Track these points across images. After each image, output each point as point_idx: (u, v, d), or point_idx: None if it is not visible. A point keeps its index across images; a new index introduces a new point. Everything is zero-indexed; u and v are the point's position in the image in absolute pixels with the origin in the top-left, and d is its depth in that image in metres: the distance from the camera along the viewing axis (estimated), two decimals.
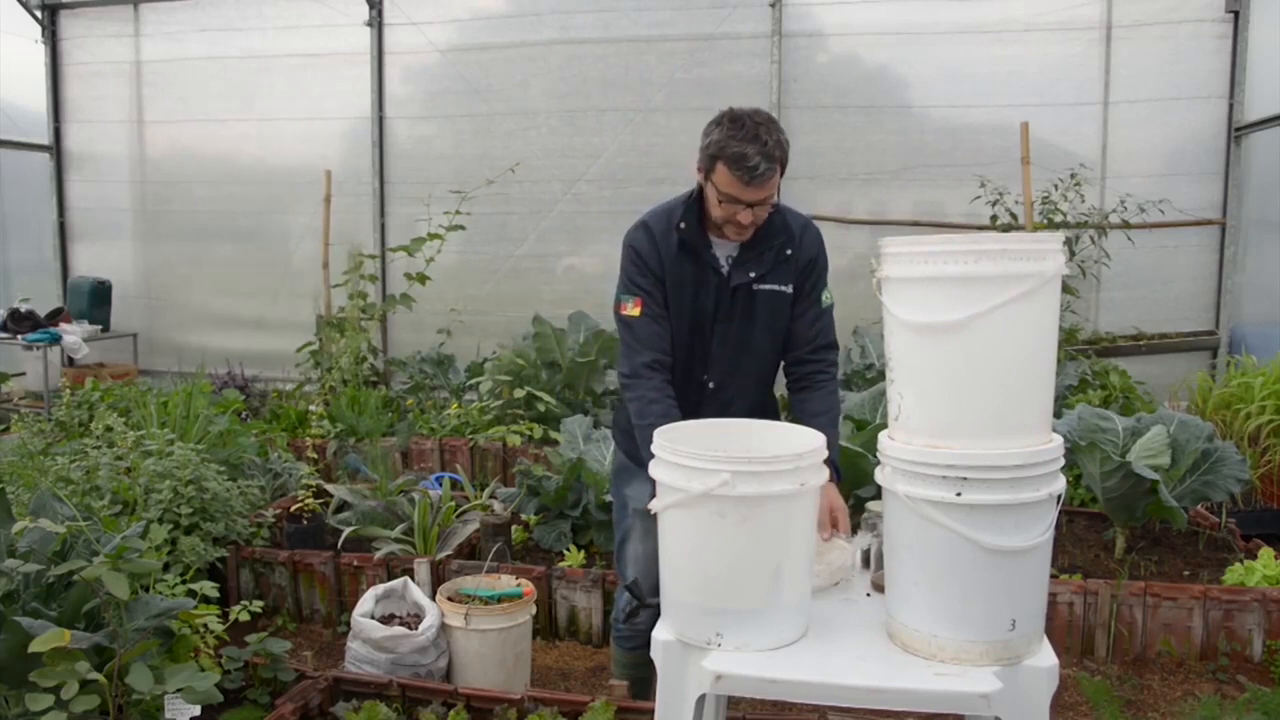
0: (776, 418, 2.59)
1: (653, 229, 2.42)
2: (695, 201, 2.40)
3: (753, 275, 2.39)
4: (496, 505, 4.20)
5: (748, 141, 2.18)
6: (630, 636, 2.66)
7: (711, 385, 2.45)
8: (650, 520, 2.54)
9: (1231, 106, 6.03)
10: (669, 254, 2.39)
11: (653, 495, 2.48)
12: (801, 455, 1.71)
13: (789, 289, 2.43)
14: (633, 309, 2.39)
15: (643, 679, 2.68)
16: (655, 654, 1.80)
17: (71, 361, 7.30)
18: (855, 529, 2.23)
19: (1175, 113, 6.13)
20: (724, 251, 2.41)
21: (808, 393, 2.46)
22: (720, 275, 2.39)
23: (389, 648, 2.96)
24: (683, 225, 2.38)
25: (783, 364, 2.53)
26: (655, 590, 2.54)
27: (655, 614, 2.56)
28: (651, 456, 1.84)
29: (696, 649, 1.75)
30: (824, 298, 2.49)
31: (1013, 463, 1.62)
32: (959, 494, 1.63)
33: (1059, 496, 1.69)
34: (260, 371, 7.28)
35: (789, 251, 2.42)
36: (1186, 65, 6.09)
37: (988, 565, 1.64)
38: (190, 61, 7.66)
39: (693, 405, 2.42)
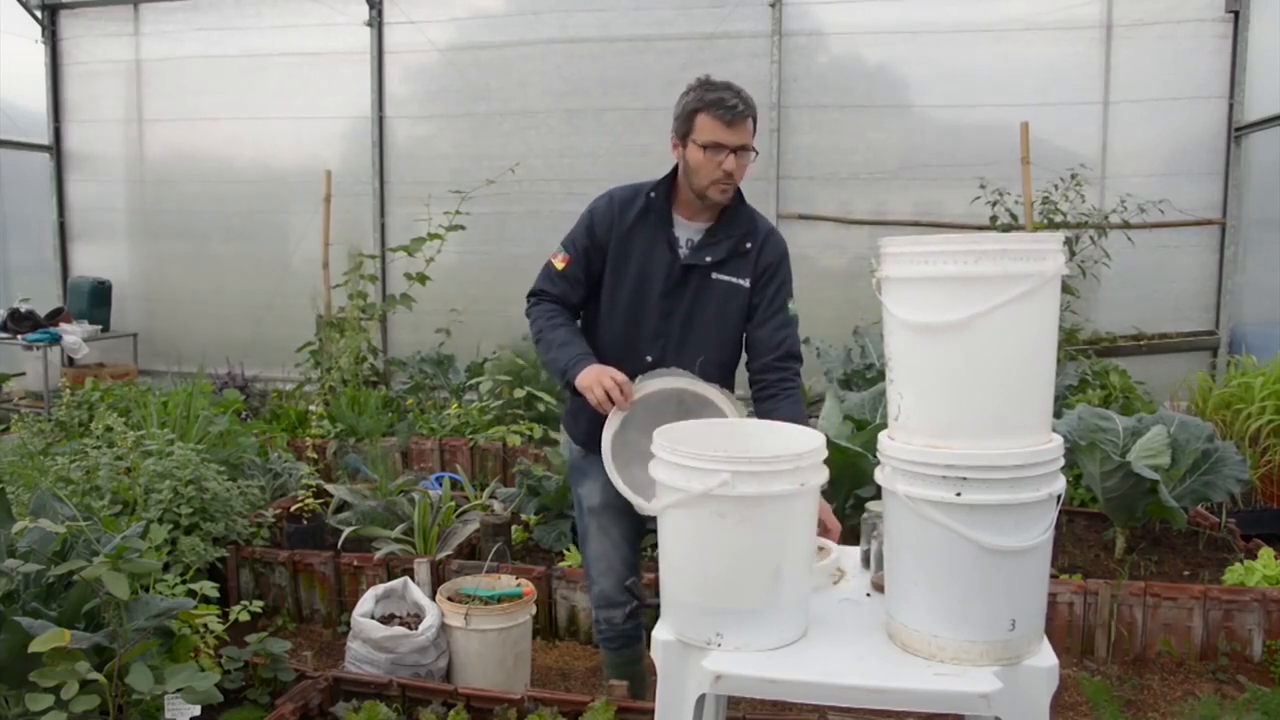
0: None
1: (616, 198, 2.51)
2: (667, 180, 2.50)
3: (709, 260, 2.45)
4: (496, 505, 4.20)
5: (722, 89, 2.35)
6: (613, 637, 2.68)
7: (650, 361, 2.47)
8: (604, 518, 2.58)
9: (1231, 106, 6.03)
10: (623, 223, 2.47)
11: (603, 491, 2.52)
12: (801, 455, 1.71)
13: (746, 283, 2.49)
14: (559, 262, 2.51)
15: (633, 677, 2.68)
16: (655, 654, 1.79)
17: (71, 361, 7.30)
18: (855, 529, 2.23)
19: (1175, 113, 6.13)
20: (685, 233, 2.48)
21: (776, 401, 2.47)
22: (674, 253, 2.46)
23: (389, 648, 2.96)
24: (653, 194, 2.47)
25: (749, 373, 2.55)
26: (618, 589, 2.57)
27: (631, 614, 2.59)
28: (561, 349, 2.07)
29: (696, 649, 1.75)
30: (790, 307, 2.55)
31: (1013, 463, 1.62)
32: (959, 494, 1.63)
33: (1059, 496, 1.69)
34: (260, 371, 7.29)
35: (749, 245, 2.48)
36: (1186, 65, 6.09)
37: (988, 565, 1.64)
38: (190, 61, 7.66)
39: (631, 378, 2.44)
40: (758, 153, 2.44)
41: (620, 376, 2.28)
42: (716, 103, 2.33)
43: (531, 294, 2.56)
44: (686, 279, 2.45)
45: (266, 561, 3.81)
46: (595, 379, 2.28)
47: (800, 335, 2.63)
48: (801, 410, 2.49)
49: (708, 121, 2.34)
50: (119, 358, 7.83)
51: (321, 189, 7.01)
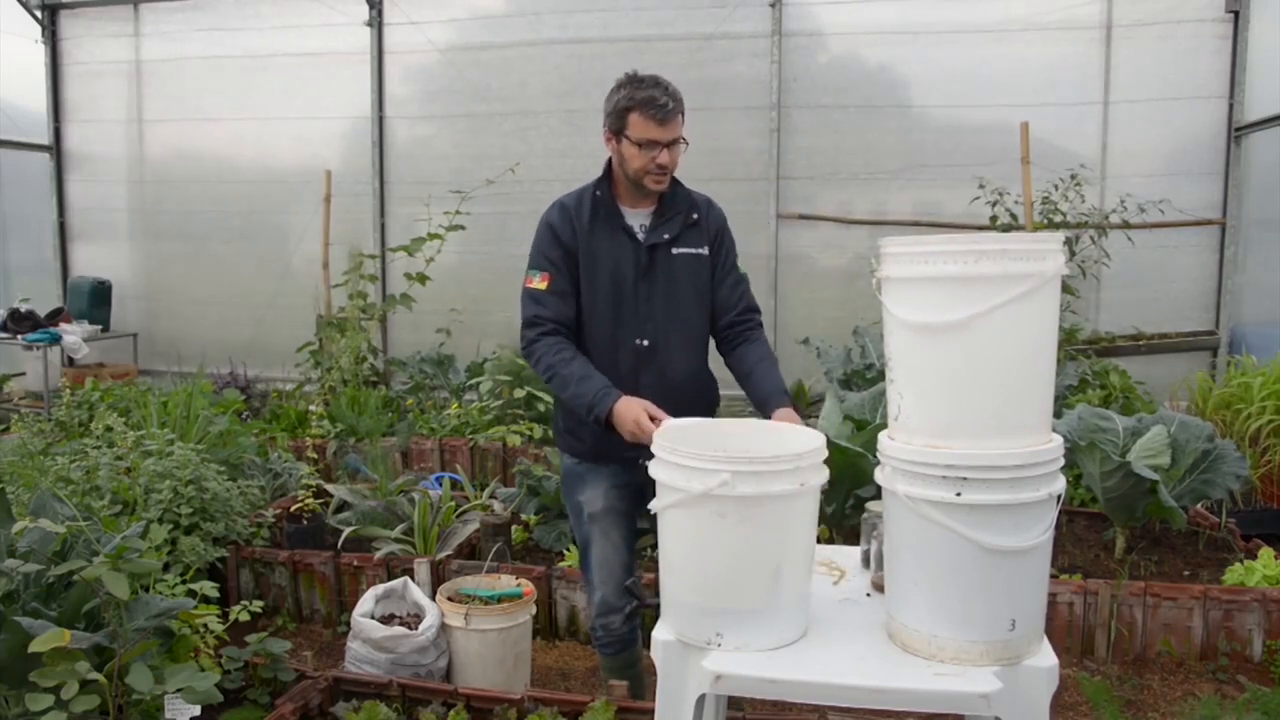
0: (715, 388, 2.70)
1: (567, 205, 2.61)
2: (605, 177, 2.60)
3: (666, 237, 2.55)
4: (496, 505, 4.20)
5: (651, 88, 2.46)
6: (610, 643, 2.69)
7: (645, 344, 2.54)
8: (605, 522, 2.59)
9: (1231, 106, 6.03)
10: (582, 227, 2.56)
11: (606, 496, 2.56)
12: (801, 455, 1.71)
13: (705, 251, 2.60)
14: (540, 283, 2.56)
15: (631, 679, 2.69)
16: (655, 654, 1.79)
17: (71, 361, 7.30)
18: (855, 529, 2.23)
19: (1175, 113, 6.13)
20: (636, 220, 2.58)
21: (744, 346, 2.61)
22: (635, 240, 2.56)
23: (389, 648, 2.96)
24: (598, 193, 2.58)
25: (715, 331, 2.66)
26: (619, 594, 2.58)
27: (627, 618, 2.60)
28: (580, 384, 2.05)
29: (696, 649, 1.75)
30: (739, 267, 2.68)
31: (1013, 463, 1.62)
32: (959, 494, 1.63)
33: (1059, 496, 1.69)
34: (260, 371, 7.29)
35: (695, 216, 2.60)
36: (1186, 65, 6.09)
37: (988, 565, 1.64)
38: (190, 61, 7.66)
39: (631, 369, 2.53)
40: (688, 143, 2.53)
41: (651, 406, 2.31)
42: (648, 101, 2.42)
43: (526, 329, 2.56)
44: (653, 260, 2.54)
45: (266, 561, 3.81)
46: (629, 413, 2.30)
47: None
48: (768, 349, 2.64)
49: (640, 120, 2.44)
50: (119, 358, 7.83)
51: (322, 189, 7.01)
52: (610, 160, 2.59)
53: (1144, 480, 3.60)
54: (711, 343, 2.68)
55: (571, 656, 3.54)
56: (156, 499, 3.52)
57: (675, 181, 2.59)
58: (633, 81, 2.49)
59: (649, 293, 2.54)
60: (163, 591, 3.02)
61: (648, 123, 2.43)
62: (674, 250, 2.55)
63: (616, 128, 2.50)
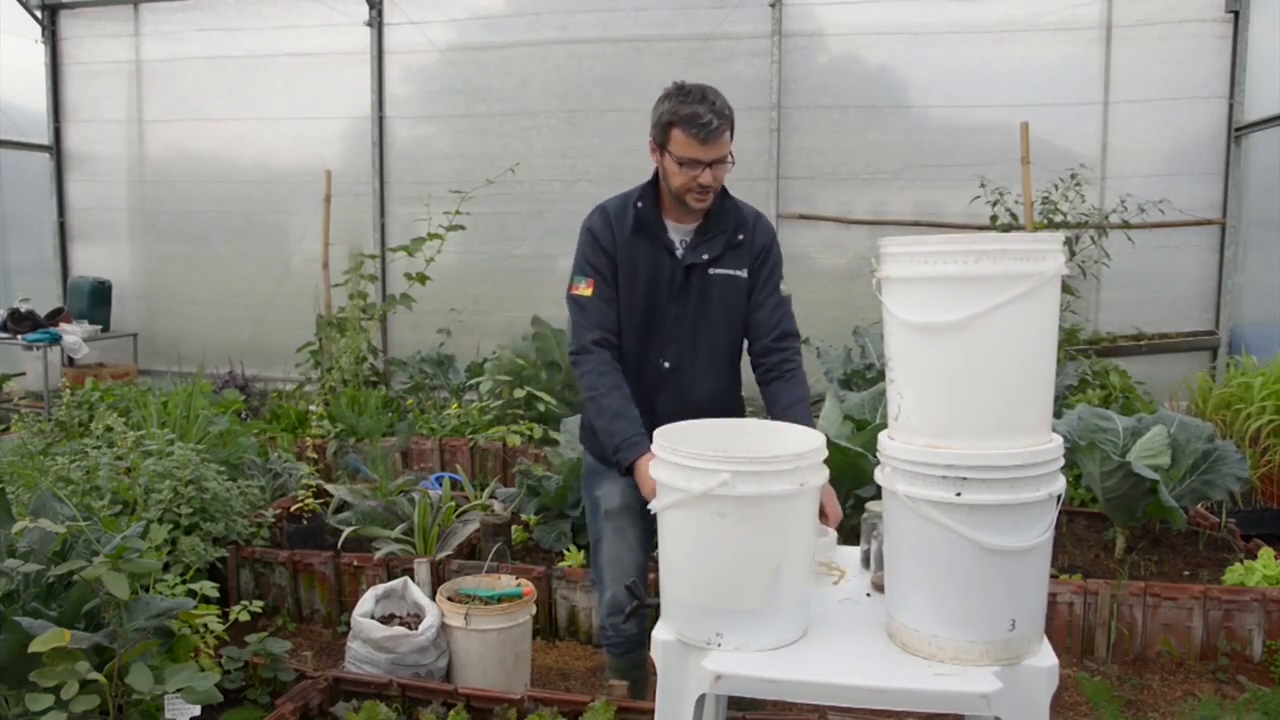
0: (741, 406, 2.62)
1: (609, 212, 2.52)
2: (651, 185, 2.51)
3: (705, 257, 2.47)
4: (496, 505, 4.20)
5: (697, 103, 2.31)
6: (619, 643, 2.67)
7: (667, 365, 2.50)
8: (621, 519, 2.57)
9: (1231, 106, 6.03)
10: (623, 235, 2.48)
11: (624, 493, 2.54)
12: (801, 455, 1.71)
13: (744, 274, 2.51)
14: (585, 289, 2.48)
15: (638, 680, 2.68)
16: (655, 654, 1.79)
17: (71, 361, 7.30)
18: (855, 529, 2.23)
19: (1175, 113, 6.13)
20: (678, 235, 2.50)
21: (780, 383, 2.50)
22: (674, 256, 2.48)
23: (389, 648, 2.96)
24: (640, 204, 2.48)
25: (750, 356, 2.58)
26: (628, 592, 2.56)
27: (628, 617, 2.58)
28: (612, 421, 1.95)
29: (696, 649, 1.75)
30: (781, 288, 2.56)
31: (1013, 463, 1.62)
32: (959, 494, 1.63)
33: (1059, 496, 1.69)
34: (260, 371, 7.29)
35: (740, 236, 2.50)
36: (1186, 65, 6.09)
37: (988, 565, 1.64)
38: (190, 61, 7.66)
39: (651, 388, 2.49)
40: (734, 161, 2.43)
41: None
42: (691, 119, 2.30)
43: (574, 339, 2.50)
44: (689, 280, 2.47)
45: (266, 561, 3.81)
46: (649, 474, 2.14)
47: (799, 330, 2.62)
48: (805, 390, 2.52)
49: (682, 137, 2.32)
50: (119, 358, 7.83)
51: (322, 189, 7.01)
52: (657, 170, 2.48)
53: (1144, 480, 3.60)
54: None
55: (571, 656, 3.54)
56: (156, 499, 3.52)
57: (725, 194, 2.49)
58: (679, 94, 2.35)
59: (678, 314, 2.47)
60: (163, 591, 3.02)
61: (689, 141, 2.32)
62: (710, 271, 2.47)
63: (660, 141, 2.40)
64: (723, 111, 2.33)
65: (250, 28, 7.47)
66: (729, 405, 2.56)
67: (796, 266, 6.65)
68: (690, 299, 2.47)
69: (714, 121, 2.30)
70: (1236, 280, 6.14)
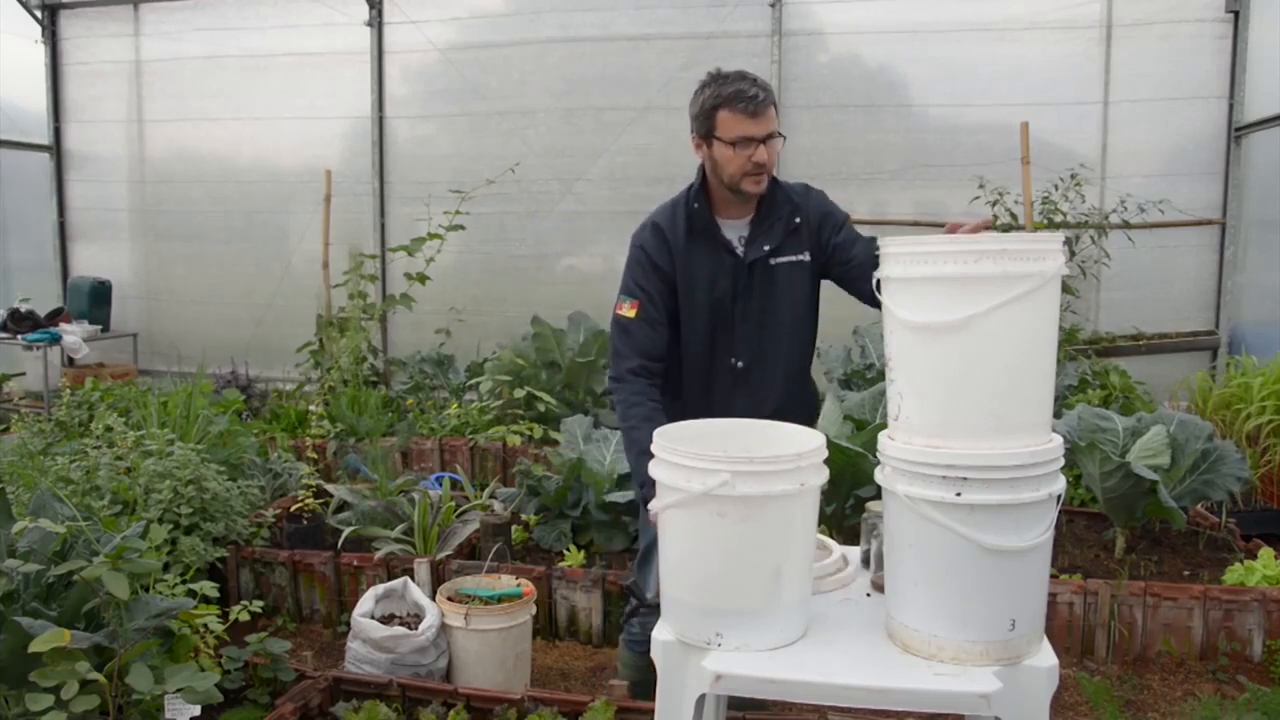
0: (816, 405, 2.57)
1: (660, 224, 2.46)
2: (700, 188, 2.45)
3: (767, 249, 2.42)
4: (496, 505, 4.20)
5: (737, 81, 2.29)
6: (643, 640, 2.65)
7: (740, 365, 2.45)
8: None
9: (1231, 106, 6.03)
10: (679, 246, 2.42)
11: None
12: (801, 455, 1.71)
13: (807, 257, 2.46)
14: (629, 310, 2.42)
15: (648, 680, 2.67)
16: (655, 654, 1.79)
17: (71, 361, 7.30)
18: (855, 529, 2.23)
19: (1175, 113, 6.13)
20: (735, 233, 2.45)
21: None
22: (734, 255, 2.43)
23: (389, 648, 2.96)
24: (695, 205, 2.42)
25: (863, 298, 2.45)
26: (627, 592, 2.54)
27: (630, 614, 2.57)
28: (640, 457, 1.88)
29: (696, 649, 1.75)
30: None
31: (1013, 463, 1.62)
32: (959, 494, 1.63)
33: (1059, 496, 1.69)
34: (260, 371, 7.28)
35: (797, 220, 2.44)
36: (1186, 65, 6.09)
37: (988, 565, 1.64)
38: (190, 61, 7.66)
39: (725, 390, 2.44)
40: (785, 137, 2.39)
41: None
42: (736, 96, 2.26)
43: (612, 363, 2.45)
44: (752, 276, 2.42)
45: (266, 561, 3.81)
46: None
47: None
48: None
49: (730, 117, 2.28)
50: (119, 358, 7.83)
51: (322, 189, 7.01)
52: (702, 169, 2.42)
53: (1144, 480, 3.60)
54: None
55: (571, 656, 3.54)
56: (156, 499, 3.52)
57: (773, 180, 2.42)
58: (717, 79, 2.32)
59: (745, 312, 2.43)
60: (163, 591, 3.02)
61: (738, 118, 2.27)
62: (773, 261, 2.42)
63: (704, 130, 2.34)
64: (765, 86, 2.31)
65: (250, 28, 7.47)
66: (804, 398, 2.54)
67: None
68: (755, 294, 2.42)
69: (759, 94, 2.27)
70: (1236, 280, 6.14)
